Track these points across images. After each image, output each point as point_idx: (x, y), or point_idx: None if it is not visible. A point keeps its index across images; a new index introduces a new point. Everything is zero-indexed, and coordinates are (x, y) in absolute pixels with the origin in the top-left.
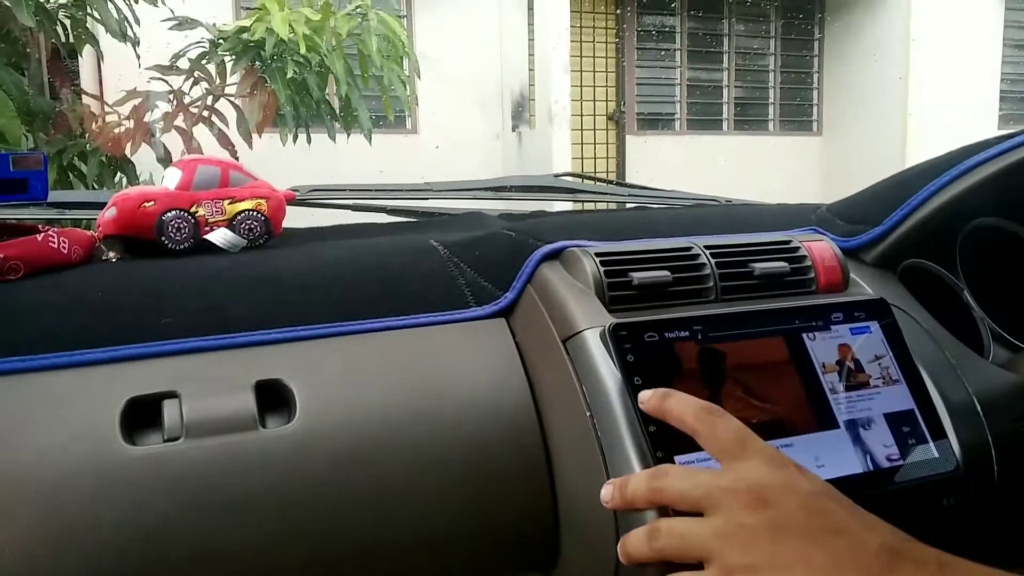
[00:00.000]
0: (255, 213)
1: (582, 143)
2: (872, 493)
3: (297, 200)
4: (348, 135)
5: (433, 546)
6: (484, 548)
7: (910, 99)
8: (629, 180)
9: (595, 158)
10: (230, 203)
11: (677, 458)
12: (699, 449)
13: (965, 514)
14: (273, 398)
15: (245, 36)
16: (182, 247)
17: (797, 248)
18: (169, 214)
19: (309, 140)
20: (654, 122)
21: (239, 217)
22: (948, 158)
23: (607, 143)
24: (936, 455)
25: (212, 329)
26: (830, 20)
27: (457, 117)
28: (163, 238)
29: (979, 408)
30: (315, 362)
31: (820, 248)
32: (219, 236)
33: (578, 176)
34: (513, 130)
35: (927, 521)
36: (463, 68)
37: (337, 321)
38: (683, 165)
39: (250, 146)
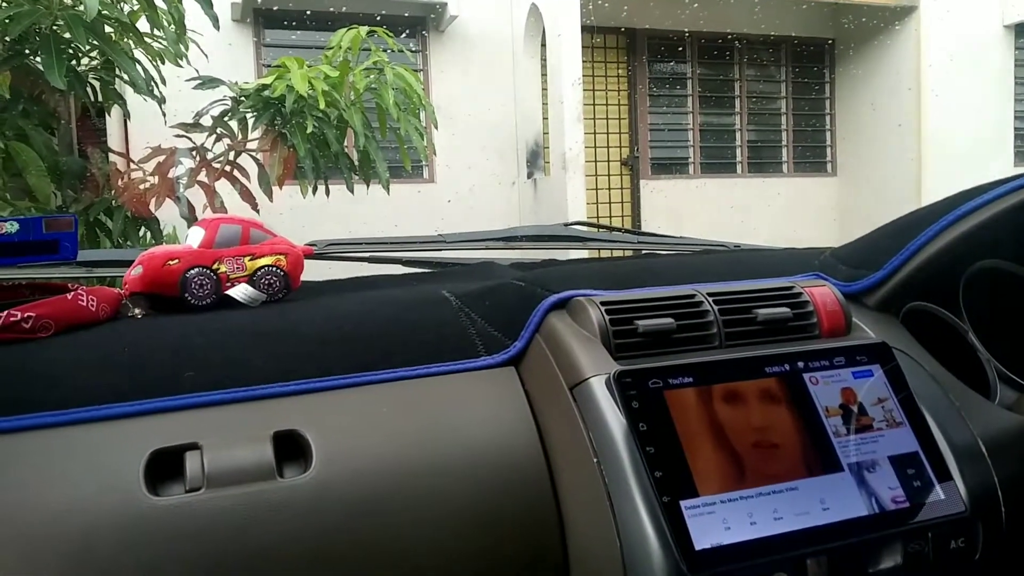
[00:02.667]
0: (274, 268)
1: (596, 188)
2: (878, 535)
3: (315, 254)
4: (368, 186)
5: None
6: None
7: (923, 139)
8: (644, 223)
9: (610, 203)
10: (250, 259)
11: (683, 503)
12: (704, 494)
13: (973, 558)
14: (290, 448)
15: (266, 93)
16: (204, 303)
17: (799, 294)
18: (192, 271)
19: (328, 192)
20: (668, 166)
21: (259, 273)
22: (947, 203)
23: (622, 188)
24: (942, 497)
25: (232, 382)
26: (840, 64)
27: (473, 165)
28: (186, 294)
29: (984, 450)
30: (331, 413)
31: (822, 293)
32: (240, 291)
33: (589, 224)
34: (528, 177)
35: (935, 565)
36: (479, 118)
37: (352, 372)
38: (698, 208)
39: (271, 199)
